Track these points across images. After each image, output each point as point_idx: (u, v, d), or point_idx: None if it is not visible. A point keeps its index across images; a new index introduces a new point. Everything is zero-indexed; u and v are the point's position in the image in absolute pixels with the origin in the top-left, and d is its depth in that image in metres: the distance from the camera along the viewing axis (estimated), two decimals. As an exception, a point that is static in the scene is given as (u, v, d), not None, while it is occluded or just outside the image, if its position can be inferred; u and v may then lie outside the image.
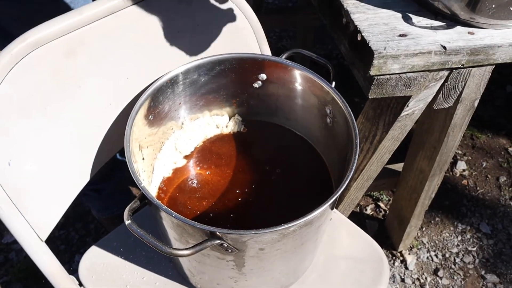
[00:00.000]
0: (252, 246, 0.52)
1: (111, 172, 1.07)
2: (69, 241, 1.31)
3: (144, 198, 0.52)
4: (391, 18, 0.68)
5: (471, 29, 0.66)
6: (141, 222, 0.74)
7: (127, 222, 0.49)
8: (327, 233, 0.79)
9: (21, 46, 0.50)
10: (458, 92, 0.74)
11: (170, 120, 0.70)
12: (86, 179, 0.63)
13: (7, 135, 0.52)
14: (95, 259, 0.73)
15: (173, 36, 0.68)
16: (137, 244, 0.73)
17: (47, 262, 0.57)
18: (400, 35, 0.64)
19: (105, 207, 1.18)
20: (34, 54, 0.51)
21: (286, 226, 0.49)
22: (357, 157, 0.56)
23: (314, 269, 0.74)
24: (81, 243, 1.31)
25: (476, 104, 0.79)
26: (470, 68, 0.69)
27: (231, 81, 0.70)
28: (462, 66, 0.67)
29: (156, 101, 0.64)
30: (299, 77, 0.67)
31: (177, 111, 0.70)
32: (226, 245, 0.50)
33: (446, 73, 0.69)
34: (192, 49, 0.70)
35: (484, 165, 1.51)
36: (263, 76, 0.70)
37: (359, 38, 0.65)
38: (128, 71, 0.64)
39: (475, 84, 0.73)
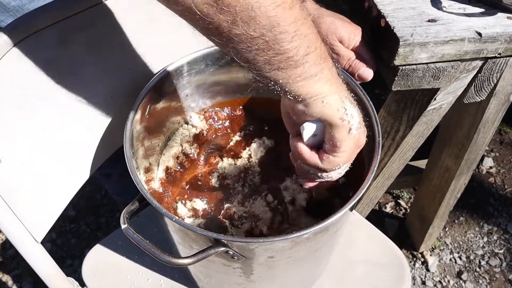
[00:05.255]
0: (260, 254, 0.47)
1: (117, 157, 1.04)
2: (80, 235, 1.29)
3: (143, 200, 0.47)
4: (419, 1, 0.61)
5: (510, 14, 0.59)
6: (149, 221, 0.71)
7: (123, 226, 0.44)
8: (344, 235, 0.73)
9: (9, 35, 0.46)
10: (493, 85, 0.67)
11: (176, 113, 0.65)
12: (85, 177, 0.59)
13: (-2, 129, 0.48)
14: (99, 258, 0.70)
15: (178, 23, 0.63)
16: (142, 244, 0.69)
17: (42, 264, 0.54)
18: (429, 21, 0.58)
19: (118, 192, 1.15)
20: (24, 43, 0.47)
21: (298, 234, 0.44)
22: (379, 157, 0.50)
23: (330, 273, 0.70)
24: (92, 237, 1.29)
25: None
26: (508, 58, 0.62)
27: (241, 70, 0.65)
28: (498, 55, 0.60)
29: (160, 93, 0.60)
30: (315, 67, 0.61)
31: (183, 103, 0.65)
32: (232, 253, 0.46)
33: (480, 63, 0.62)
34: (199, 38, 0.65)
35: (513, 162, 1.42)
36: (277, 66, 0.64)
37: (382, 24, 0.59)
38: (130, 62, 0.60)
39: (512, 75, 0.66)
